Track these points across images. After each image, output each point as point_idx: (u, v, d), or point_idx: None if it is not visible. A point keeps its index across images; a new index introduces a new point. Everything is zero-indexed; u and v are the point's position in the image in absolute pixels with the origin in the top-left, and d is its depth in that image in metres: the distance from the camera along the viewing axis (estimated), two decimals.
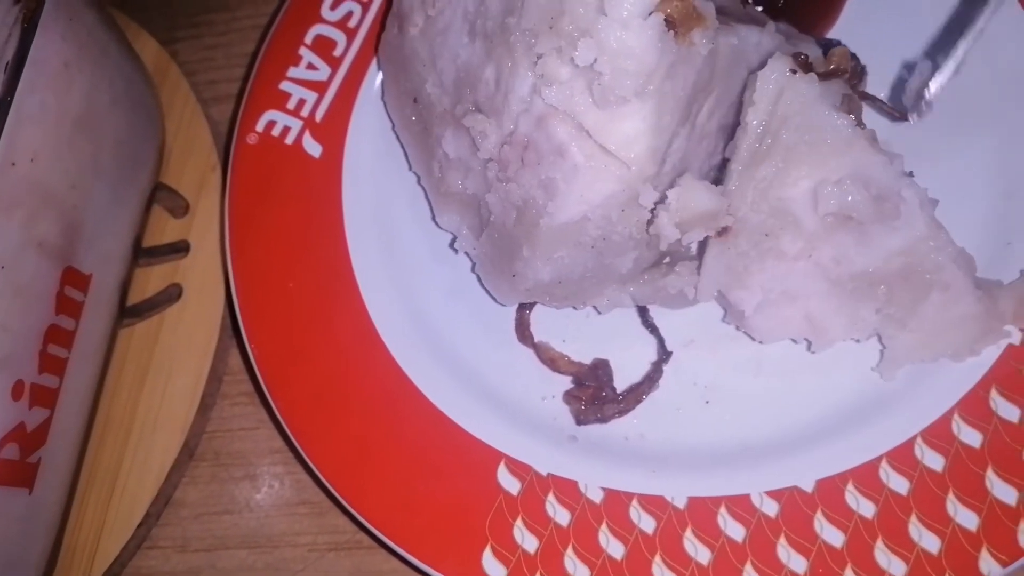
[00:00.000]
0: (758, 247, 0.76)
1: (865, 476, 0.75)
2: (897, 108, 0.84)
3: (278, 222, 0.92)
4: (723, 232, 0.75)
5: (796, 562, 0.73)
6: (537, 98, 0.71)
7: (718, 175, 0.82)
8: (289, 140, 0.96)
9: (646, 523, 0.77)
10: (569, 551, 0.77)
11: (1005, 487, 0.72)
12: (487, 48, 0.76)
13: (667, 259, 0.82)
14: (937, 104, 0.84)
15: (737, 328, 0.84)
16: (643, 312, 0.87)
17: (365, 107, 0.97)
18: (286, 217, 0.93)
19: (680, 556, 0.75)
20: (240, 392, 0.99)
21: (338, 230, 0.92)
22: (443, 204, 0.86)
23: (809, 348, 0.81)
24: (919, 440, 0.76)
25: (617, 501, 0.78)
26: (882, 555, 0.72)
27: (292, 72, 0.98)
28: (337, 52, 0.99)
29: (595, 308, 0.84)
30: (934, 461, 0.74)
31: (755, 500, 0.76)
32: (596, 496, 0.79)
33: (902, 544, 0.72)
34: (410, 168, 0.93)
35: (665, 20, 0.66)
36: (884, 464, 0.75)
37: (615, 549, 0.76)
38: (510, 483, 0.80)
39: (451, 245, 0.91)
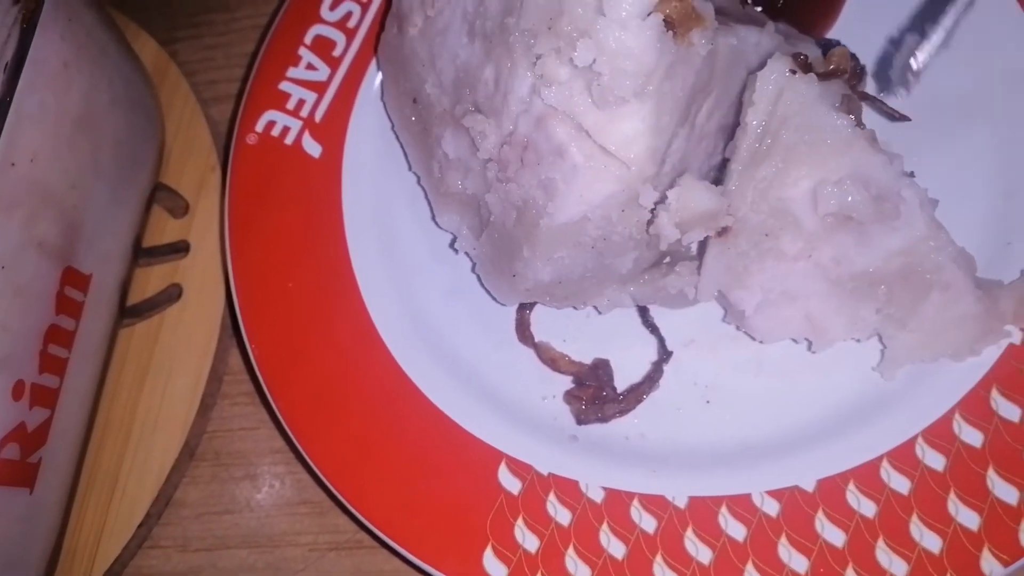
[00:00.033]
0: (758, 247, 0.76)
1: (866, 476, 0.75)
2: (884, 85, 0.83)
3: (278, 222, 0.92)
4: (723, 232, 0.75)
5: (797, 562, 0.73)
6: (536, 98, 0.71)
7: (718, 175, 0.82)
8: (289, 140, 0.96)
9: (647, 523, 0.77)
10: (570, 551, 0.77)
11: (1006, 487, 0.72)
12: (486, 48, 0.76)
13: (667, 259, 0.82)
14: (937, 102, 0.85)
15: (737, 328, 0.84)
16: (643, 312, 0.87)
17: (364, 107, 0.97)
18: (286, 217, 0.93)
19: (681, 556, 0.75)
20: (240, 392, 0.99)
21: (338, 230, 0.92)
22: (443, 204, 0.86)
23: (809, 348, 0.81)
24: (920, 440, 0.76)
25: (618, 501, 0.78)
26: (883, 555, 0.72)
27: (292, 72, 0.98)
28: (336, 52, 0.99)
29: (595, 308, 0.84)
30: (935, 461, 0.74)
31: (756, 500, 0.76)
32: (597, 496, 0.79)
33: (903, 544, 0.72)
34: (410, 168, 0.93)
35: (664, 20, 0.66)
36: (885, 464, 0.75)
37: (616, 549, 0.76)
38: (511, 483, 0.80)
39: (451, 245, 0.90)
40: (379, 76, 0.97)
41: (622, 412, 0.83)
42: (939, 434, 0.75)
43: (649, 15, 0.65)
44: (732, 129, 0.77)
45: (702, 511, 0.77)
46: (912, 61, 0.75)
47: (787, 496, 0.76)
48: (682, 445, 0.81)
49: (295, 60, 0.99)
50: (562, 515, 0.78)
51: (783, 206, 0.74)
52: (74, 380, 0.87)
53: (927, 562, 0.71)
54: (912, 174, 0.73)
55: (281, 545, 0.92)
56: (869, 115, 0.84)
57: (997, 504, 0.72)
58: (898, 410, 0.78)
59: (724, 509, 0.76)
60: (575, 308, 0.85)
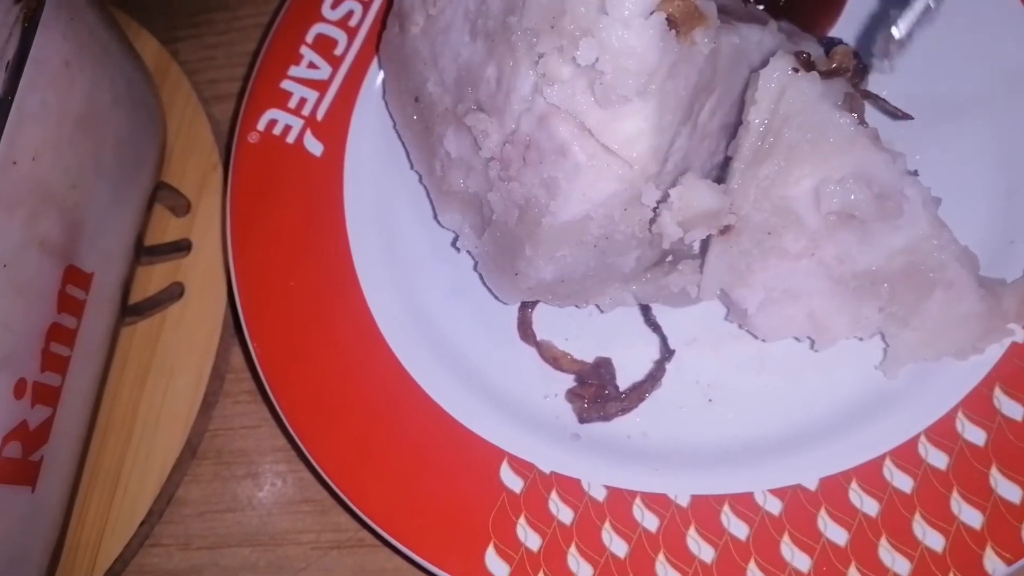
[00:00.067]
0: (761, 245, 0.76)
1: (869, 474, 0.75)
2: (865, 58, 0.82)
3: (279, 221, 0.92)
4: (726, 230, 0.75)
5: (800, 560, 0.73)
6: (539, 97, 0.71)
7: (720, 174, 0.82)
8: (290, 139, 0.96)
9: (649, 521, 0.77)
10: (572, 549, 0.77)
11: (1009, 485, 0.72)
12: (488, 47, 0.75)
13: (670, 258, 0.82)
14: (940, 101, 0.85)
15: (740, 326, 0.83)
16: (646, 310, 0.87)
17: (366, 106, 0.97)
18: (288, 216, 0.93)
19: (684, 554, 0.75)
20: (242, 390, 0.99)
21: (340, 229, 0.92)
22: (445, 203, 0.86)
23: (812, 346, 0.81)
24: (923, 438, 0.75)
25: (620, 499, 0.78)
26: (886, 553, 0.72)
27: (293, 71, 0.98)
28: (338, 51, 0.99)
29: (597, 307, 0.84)
30: (938, 459, 0.74)
31: (759, 498, 0.76)
32: (599, 494, 0.79)
33: (906, 542, 0.72)
34: (412, 167, 0.93)
35: (667, 19, 0.66)
36: (888, 462, 0.75)
37: (618, 547, 0.76)
38: (513, 481, 0.80)
39: (453, 244, 0.90)
40: (381, 75, 0.97)
41: (624, 411, 0.83)
42: (942, 433, 0.75)
43: (652, 14, 0.65)
44: (734, 128, 0.77)
45: (704, 510, 0.77)
46: (894, 30, 0.75)
47: (790, 495, 0.76)
48: (684, 444, 0.81)
49: (296, 59, 0.99)
50: (564, 514, 0.78)
51: (786, 204, 0.74)
52: (76, 378, 0.87)
53: (930, 561, 0.71)
54: (916, 173, 0.73)
55: (283, 543, 0.92)
56: (872, 113, 0.84)
57: (1000, 503, 0.72)
58: (901, 409, 0.77)
59: (726, 508, 0.76)
60: (577, 307, 0.85)
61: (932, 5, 0.75)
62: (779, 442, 0.79)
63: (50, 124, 0.80)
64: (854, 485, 0.75)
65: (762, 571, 0.74)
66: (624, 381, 0.85)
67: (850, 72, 0.78)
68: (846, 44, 0.80)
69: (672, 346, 0.85)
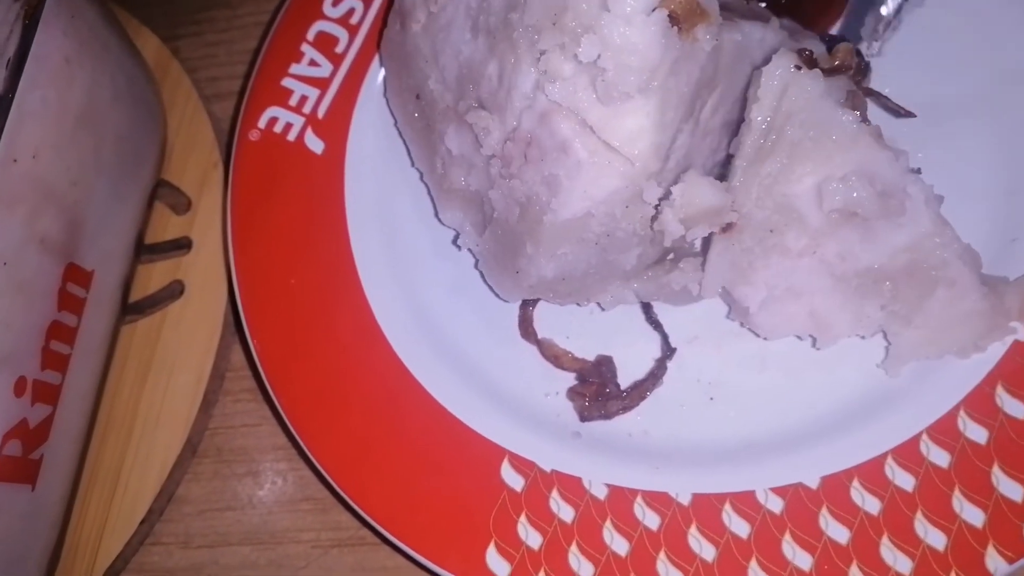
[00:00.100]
0: (763, 243, 0.76)
1: (870, 473, 0.75)
2: (854, 40, 0.81)
3: (280, 219, 0.92)
4: (727, 228, 0.75)
5: (801, 559, 0.73)
6: (540, 94, 0.71)
7: (722, 171, 0.82)
8: (291, 137, 0.96)
9: (650, 520, 0.77)
10: (573, 548, 0.77)
11: (1011, 483, 0.72)
12: (490, 44, 0.75)
13: (671, 255, 0.82)
14: (942, 99, 0.84)
15: (741, 324, 0.83)
16: (647, 308, 0.87)
17: (367, 103, 0.97)
18: (288, 214, 0.93)
19: (685, 553, 0.75)
20: (243, 388, 0.98)
21: (340, 226, 0.92)
22: (446, 200, 0.86)
23: (814, 344, 0.80)
24: (925, 437, 0.75)
25: (621, 497, 0.78)
26: (888, 552, 0.72)
27: (294, 69, 0.98)
28: (339, 49, 0.99)
29: (599, 305, 0.84)
30: (940, 458, 0.74)
31: (760, 497, 0.76)
32: (600, 492, 0.78)
33: (908, 541, 0.72)
34: (413, 164, 0.93)
35: (669, 16, 0.66)
36: (889, 461, 0.75)
37: (619, 546, 0.76)
38: (514, 479, 0.80)
39: (454, 242, 0.90)
40: (382, 72, 0.97)
41: (625, 409, 0.83)
42: (944, 431, 0.75)
43: (654, 10, 0.65)
44: (736, 125, 0.76)
45: (706, 508, 0.76)
46: (883, 8, 0.75)
47: (791, 493, 0.76)
48: (685, 442, 0.81)
49: (297, 56, 0.98)
50: (565, 512, 0.78)
51: (788, 202, 0.73)
52: (76, 376, 0.87)
53: (932, 559, 0.71)
54: (918, 170, 0.73)
55: (283, 542, 0.92)
56: (874, 111, 0.84)
57: (1002, 501, 0.72)
58: (903, 407, 0.77)
59: (728, 506, 0.76)
60: (578, 305, 0.85)
61: None
62: (781, 440, 0.79)
63: (50, 121, 0.80)
64: (856, 483, 0.75)
65: (763, 570, 0.73)
66: (625, 379, 0.85)
67: (852, 70, 0.78)
68: (848, 41, 0.79)
69: (673, 344, 0.85)
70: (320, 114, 0.96)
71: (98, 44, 0.87)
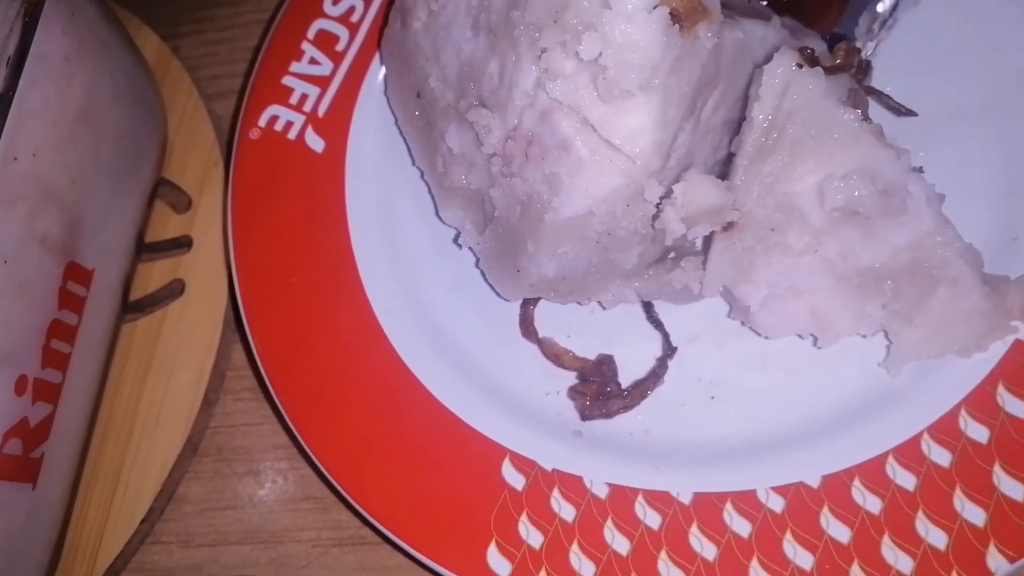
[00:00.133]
0: (764, 242, 0.76)
1: (871, 472, 0.75)
2: (849, 37, 0.81)
3: (281, 217, 0.92)
4: (729, 227, 0.75)
5: (802, 558, 0.73)
6: (541, 92, 0.71)
7: (723, 170, 0.81)
8: (292, 135, 0.96)
9: (651, 519, 0.77)
10: (574, 547, 0.76)
11: (1012, 483, 0.72)
12: (491, 42, 0.75)
13: (672, 254, 0.82)
14: (944, 98, 0.84)
15: (742, 323, 0.83)
16: (648, 307, 0.87)
17: (368, 102, 0.97)
18: (289, 212, 0.92)
19: (686, 552, 0.75)
20: (243, 388, 0.98)
21: (341, 225, 0.92)
22: (447, 199, 0.85)
23: (815, 343, 0.80)
24: (926, 436, 0.75)
25: (622, 497, 0.78)
26: (889, 551, 0.72)
27: (294, 67, 0.98)
28: (340, 47, 0.99)
29: (600, 303, 0.84)
30: (941, 457, 0.74)
31: (761, 496, 0.76)
32: (601, 492, 0.78)
33: (909, 540, 0.72)
34: (413, 163, 0.93)
35: (670, 14, 0.66)
36: (891, 460, 0.75)
37: (620, 545, 0.76)
38: (515, 478, 0.80)
39: (455, 240, 0.90)
40: (382, 71, 0.97)
41: (626, 408, 0.83)
42: (945, 430, 0.75)
43: (655, 8, 0.65)
44: (738, 123, 0.76)
45: (707, 507, 0.76)
46: (879, 5, 0.75)
47: (792, 492, 0.76)
48: (686, 441, 0.81)
49: (298, 55, 0.98)
50: (566, 511, 0.78)
51: (789, 201, 0.73)
52: (77, 375, 0.87)
53: (933, 558, 0.71)
54: (920, 169, 0.72)
55: (284, 541, 0.92)
56: (876, 110, 0.84)
57: (1003, 500, 0.72)
58: (904, 406, 0.77)
59: (729, 505, 0.76)
60: (579, 303, 0.85)
61: None
62: (782, 439, 0.79)
63: (50, 120, 0.80)
64: (857, 482, 0.75)
65: (765, 569, 0.73)
66: (626, 378, 0.84)
67: (854, 68, 0.77)
68: (850, 40, 0.79)
69: (674, 343, 0.85)
70: (321, 112, 0.96)
71: (98, 42, 0.87)
